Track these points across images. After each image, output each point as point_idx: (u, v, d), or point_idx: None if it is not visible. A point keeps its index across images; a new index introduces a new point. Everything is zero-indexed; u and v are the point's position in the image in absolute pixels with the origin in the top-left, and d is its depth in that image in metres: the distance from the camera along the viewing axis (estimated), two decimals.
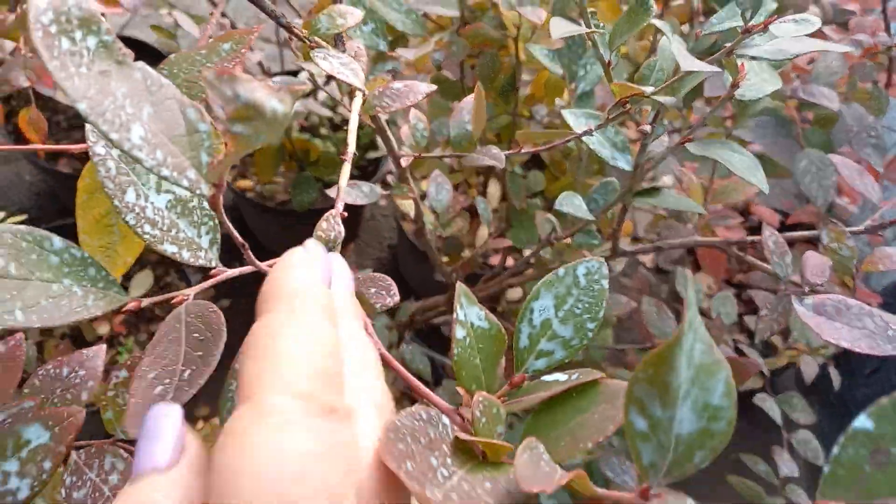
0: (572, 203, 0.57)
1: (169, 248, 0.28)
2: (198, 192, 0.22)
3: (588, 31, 0.42)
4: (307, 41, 0.43)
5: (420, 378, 0.85)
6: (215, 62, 0.32)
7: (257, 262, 0.29)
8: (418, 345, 0.85)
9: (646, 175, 0.57)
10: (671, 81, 0.47)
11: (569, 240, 0.65)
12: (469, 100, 0.54)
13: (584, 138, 0.52)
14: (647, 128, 0.50)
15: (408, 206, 0.72)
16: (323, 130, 1.57)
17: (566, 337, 0.25)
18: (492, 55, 0.74)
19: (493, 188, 0.86)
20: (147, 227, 0.28)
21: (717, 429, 0.18)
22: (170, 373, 0.26)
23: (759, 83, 0.50)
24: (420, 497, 0.20)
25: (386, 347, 0.82)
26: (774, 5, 0.47)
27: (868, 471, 0.16)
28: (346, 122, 1.54)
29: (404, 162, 0.53)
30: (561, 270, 0.26)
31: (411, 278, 1.32)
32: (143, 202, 0.28)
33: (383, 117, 0.51)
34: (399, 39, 0.77)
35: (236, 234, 0.27)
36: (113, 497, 0.37)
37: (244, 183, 1.51)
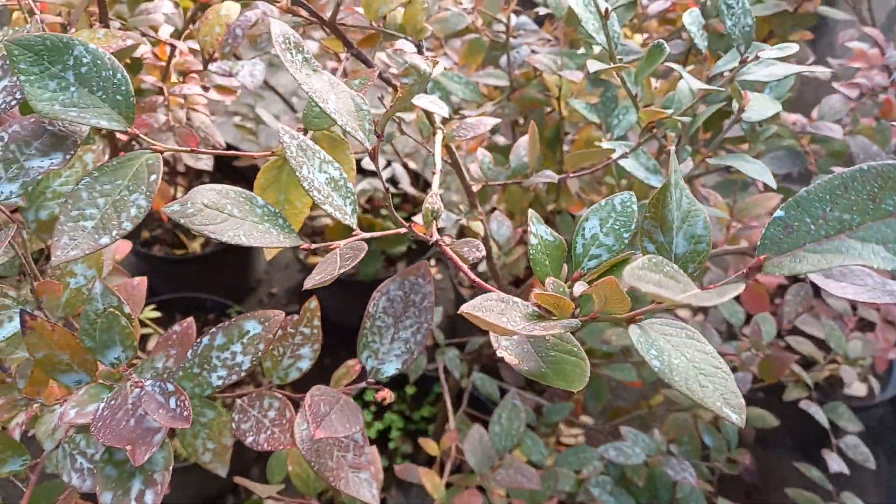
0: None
1: (328, 209, 0.41)
2: (364, 143, 0.35)
3: (615, 66, 0.55)
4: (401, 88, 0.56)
5: (491, 401, 0.94)
6: (355, 88, 0.46)
7: (399, 219, 0.41)
8: (487, 375, 0.95)
9: None
10: (689, 106, 0.59)
11: None
12: (524, 138, 0.68)
13: (620, 161, 0.64)
14: (673, 148, 0.62)
15: (477, 226, 0.84)
16: (383, 212, 1.72)
17: (609, 244, 0.36)
18: (538, 113, 0.88)
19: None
20: (315, 193, 0.40)
21: (700, 249, 0.28)
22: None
23: (762, 108, 0.62)
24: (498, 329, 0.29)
25: (458, 377, 0.92)
26: (765, 46, 0.59)
27: (781, 237, 0.26)
28: (405, 198, 1.70)
29: (475, 187, 0.65)
30: (603, 201, 0.38)
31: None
32: (311, 175, 0.41)
33: (458, 154, 0.64)
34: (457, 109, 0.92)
35: (384, 183, 0.39)
36: (272, 427, 0.47)
37: (315, 259, 1.66)
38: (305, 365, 0.49)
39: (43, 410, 0.42)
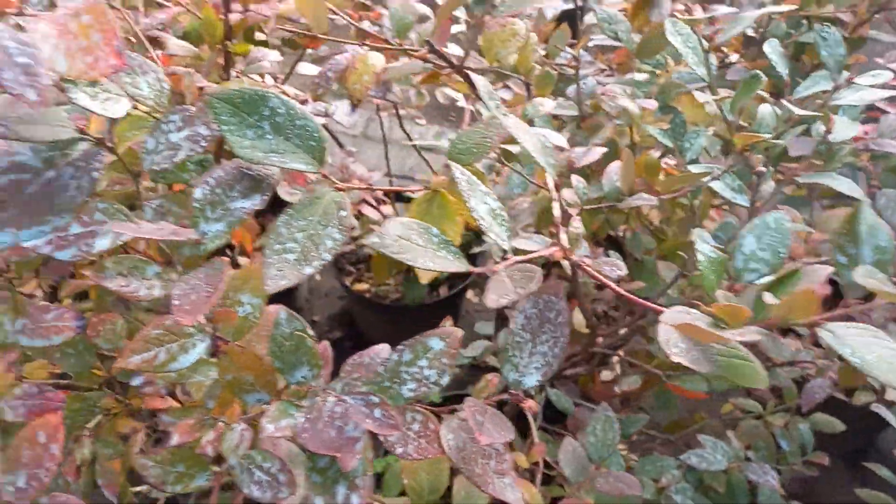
0: (702, 238, 0.72)
1: (491, 235, 0.45)
2: (551, 174, 0.39)
3: (719, 98, 0.60)
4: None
5: (566, 415, 0.98)
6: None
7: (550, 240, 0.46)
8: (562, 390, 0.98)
9: (757, 213, 0.72)
10: (782, 130, 0.63)
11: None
12: (615, 164, 0.72)
13: (711, 183, 0.68)
14: (763, 169, 0.66)
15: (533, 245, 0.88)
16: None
17: (766, 259, 0.40)
18: (610, 140, 0.92)
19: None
20: (481, 221, 0.45)
21: (885, 258, 0.32)
22: None
23: (844, 129, 0.66)
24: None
25: (532, 394, 0.95)
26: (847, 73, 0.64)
27: None
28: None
29: (573, 211, 0.69)
30: (756, 220, 0.42)
31: None
32: (477, 206, 0.45)
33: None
34: None
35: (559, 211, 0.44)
36: (418, 439, 0.51)
37: (360, 286, 1.70)
38: (444, 380, 0.53)
39: (226, 429, 0.46)
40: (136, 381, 0.54)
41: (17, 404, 0.48)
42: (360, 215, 1.65)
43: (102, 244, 0.50)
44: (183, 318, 0.37)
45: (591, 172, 0.89)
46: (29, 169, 0.43)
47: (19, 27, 0.38)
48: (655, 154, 0.97)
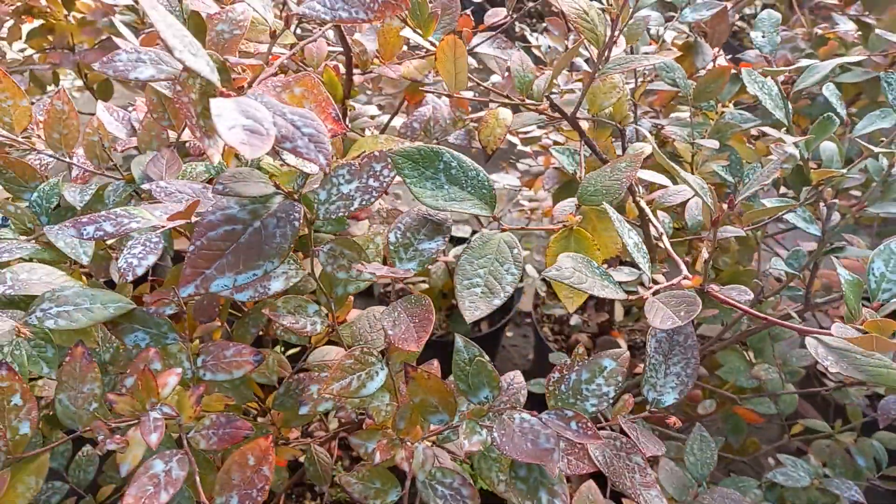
0: (779, 264, 0.79)
1: (640, 264, 0.51)
2: (710, 206, 0.45)
3: (803, 139, 0.67)
4: None
5: None
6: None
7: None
8: None
9: (829, 240, 0.79)
10: (851, 166, 0.70)
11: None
12: (696, 199, 0.79)
13: (786, 215, 0.75)
14: (834, 201, 0.73)
15: (660, 279, 0.94)
16: None
17: (895, 280, 0.47)
18: (670, 179, 0.99)
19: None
20: (631, 251, 0.51)
21: None
22: None
23: None
24: None
25: None
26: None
27: None
28: None
29: (666, 242, 0.76)
30: (882, 246, 0.48)
31: None
32: (627, 240, 0.51)
33: (648, 211, 0.75)
34: None
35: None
36: (567, 456, 0.56)
37: None
38: (603, 405, 0.59)
39: (415, 448, 0.51)
40: (303, 410, 0.59)
41: (208, 434, 0.53)
42: None
43: (277, 286, 0.56)
44: (404, 346, 0.43)
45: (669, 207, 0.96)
46: (239, 221, 0.49)
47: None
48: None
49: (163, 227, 0.57)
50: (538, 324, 1.78)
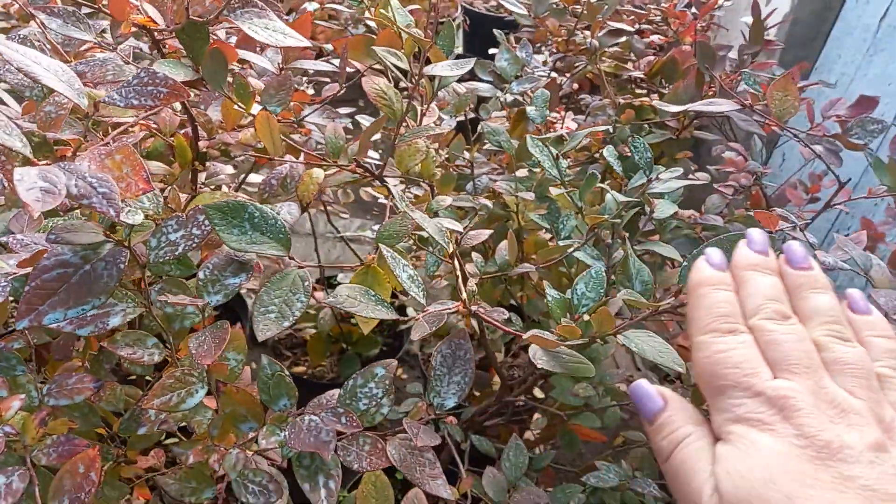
0: (550, 291, 0.94)
1: (413, 293, 0.64)
2: (447, 247, 0.59)
3: (569, 190, 0.82)
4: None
5: (487, 457, 1.14)
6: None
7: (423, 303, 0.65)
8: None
9: (611, 274, 0.95)
10: (618, 212, 0.86)
11: None
12: (504, 242, 0.93)
13: (575, 253, 0.91)
14: (609, 241, 0.89)
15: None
16: (352, 320, 1.93)
17: (592, 297, 0.61)
18: (501, 224, 1.14)
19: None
20: (405, 284, 0.64)
21: (648, 288, 0.53)
22: None
23: (665, 209, 0.90)
24: None
25: (458, 441, 1.12)
26: (662, 168, 0.89)
27: None
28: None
29: (472, 281, 0.90)
30: (585, 273, 0.63)
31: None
32: (401, 273, 0.64)
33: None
34: None
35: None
36: (369, 456, 0.67)
37: (298, 369, 1.83)
38: (386, 411, 0.70)
39: (226, 452, 0.61)
40: (141, 430, 0.68)
41: (49, 451, 0.62)
42: None
43: (115, 321, 0.66)
44: (203, 361, 0.54)
45: (489, 252, 1.11)
46: (70, 264, 0.59)
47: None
48: (545, 235, 1.20)
49: (14, 273, 0.66)
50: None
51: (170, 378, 0.61)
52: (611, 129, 1.27)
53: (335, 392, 0.72)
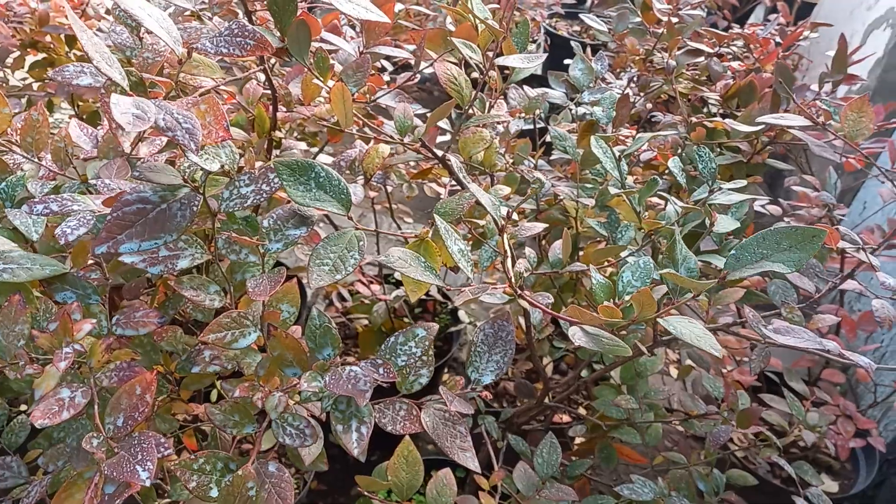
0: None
1: (462, 265, 0.66)
2: (499, 221, 0.61)
3: (627, 191, 0.83)
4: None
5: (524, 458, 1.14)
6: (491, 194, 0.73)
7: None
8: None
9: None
10: (678, 219, 0.86)
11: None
12: (558, 242, 0.95)
13: (628, 258, 0.91)
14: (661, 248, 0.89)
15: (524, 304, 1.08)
16: (406, 319, 1.96)
17: (637, 285, 0.62)
18: (559, 229, 1.15)
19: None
20: (455, 256, 0.66)
21: (694, 275, 0.54)
22: None
23: (726, 224, 0.90)
24: None
25: (495, 438, 1.13)
26: (725, 183, 0.88)
27: (734, 263, 0.52)
28: (419, 305, 1.95)
29: (509, 263, 0.91)
30: (631, 260, 0.63)
31: None
32: (452, 246, 0.67)
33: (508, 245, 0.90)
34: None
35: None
36: (403, 420, 0.69)
37: (347, 359, 1.87)
38: (425, 380, 0.72)
39: (269, 394, 0.65)
40: (194, 369, 0.72)
41: (111, 375, 0.67)
42: (353, 293, 1.85)
43: (183, 264, 0.71)
44: (257, 297, 0.57)
45: (543, 255, 1.12)
46: (149, 201, 0.64)
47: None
48: (602, 245, 1.20)
49: (98, 211, 0.72)
50: None
51: (226, 318, 0.65)
52: (680, 146, 1.27)
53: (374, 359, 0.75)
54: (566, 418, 1.49)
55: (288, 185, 0.65)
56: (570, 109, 1.31)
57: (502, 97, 0.86)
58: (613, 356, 0.87)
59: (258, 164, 0.86)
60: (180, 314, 0.87)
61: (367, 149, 0.82)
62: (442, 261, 0.73)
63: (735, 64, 1.42)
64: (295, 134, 1.01)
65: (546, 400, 1.15)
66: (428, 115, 1.07)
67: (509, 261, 0.68)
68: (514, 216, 0.85)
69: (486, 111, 0.85)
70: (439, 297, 1.90)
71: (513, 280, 0.68)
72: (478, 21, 0.82)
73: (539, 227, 0.85)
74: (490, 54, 0.83)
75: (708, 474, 1.10)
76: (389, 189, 1.23)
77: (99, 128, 0.97)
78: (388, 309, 1.77)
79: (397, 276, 1.89)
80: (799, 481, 1.05)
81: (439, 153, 0.80)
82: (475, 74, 0.87)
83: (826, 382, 1.46)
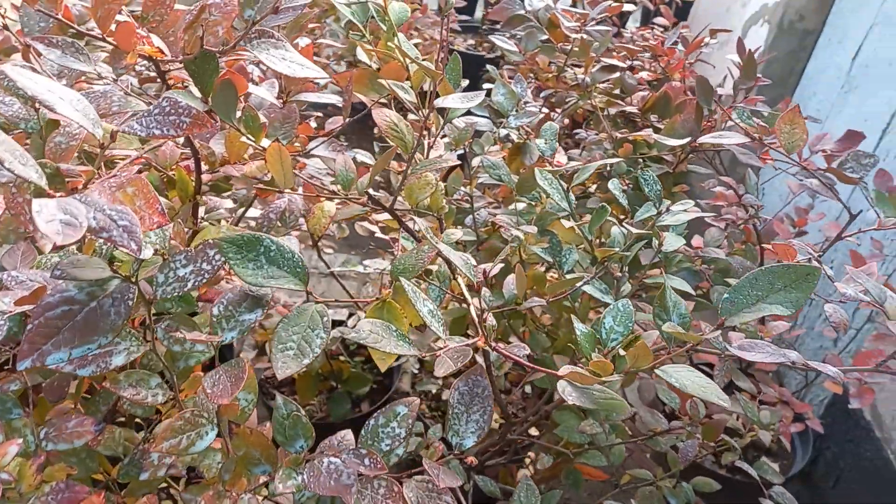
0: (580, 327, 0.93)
1: (433, 327, 0.62)
2: (471, 278, 0.57)
3: (580, 223, 0.82)
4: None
5: (493, 498, 1.11)
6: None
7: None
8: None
9: None
10: (627, 246, 0.86)
11: None
12: (511, 276, 0.92)
13: (584, 287, 0.89)
14: (619, 274, 0.88)
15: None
16: (342, 357, 1.89)
17: (621, 331, 0.60)
18: (504, 260, 1.13)
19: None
20: (425, 318, 0.62)
21: (686, 321, 0.52)
22: None
23: (673, 242, 0.90)
24: None
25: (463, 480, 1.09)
26: (668, 202, 0.89)
27: (730, 307, 0.50)
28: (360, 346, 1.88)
29: (473, 312, 0.88)
30: (611, 306, 0.61)
31: None
32: (421, 308, 0.62)
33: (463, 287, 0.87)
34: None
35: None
36: (383, 499, 0.64)
37: None
38: (401, 451, 0.67)
39: (238, 498, 0.58)
40: (143, 476, 0.64)
41: (47, 500, 0.58)
42: None
43: (118, 361, 0.63)
44: (218, 400, 0.51)
45: (492, 286, 1.09)
46: (76, 301, 0.56)
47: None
48: (541, 268, 1.19)
49: (10, 312, 0.63)
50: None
51: (179, 420, 0.58)
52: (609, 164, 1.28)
53: (346, 432, 0.69)
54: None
55: (235, 263, 0.58)
56: (492, 132, 1.29)
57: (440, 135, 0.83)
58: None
59: (187, 233, 0.78)
60: (115, 409, 0.78)
61: (312, 208, 0.76)
62: (409, 321, 0.68)
63: (644, 74, 1.46)
64: (208, 191, 0.94)
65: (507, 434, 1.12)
66: (364, 158, 1.02)
67: (485, 317, 0.64)
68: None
69: (426, 153, 0.81)
70: None
71: (488, 337, 0.65)
72: (407, 61, 0.78)
73: (498, 267, 0.82)
74: (423, 93, 0.79)
75: (675, 487, 1.10)
76: None
77: None
78: (325, 351, 1.69)
79: (333, 314, 1.82)
80: (762, 481, 1.07)
81: (392, 208, 0.75)
82: (411, 116, 0.83)
83: (759, 371, 1.51)
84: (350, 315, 1.87)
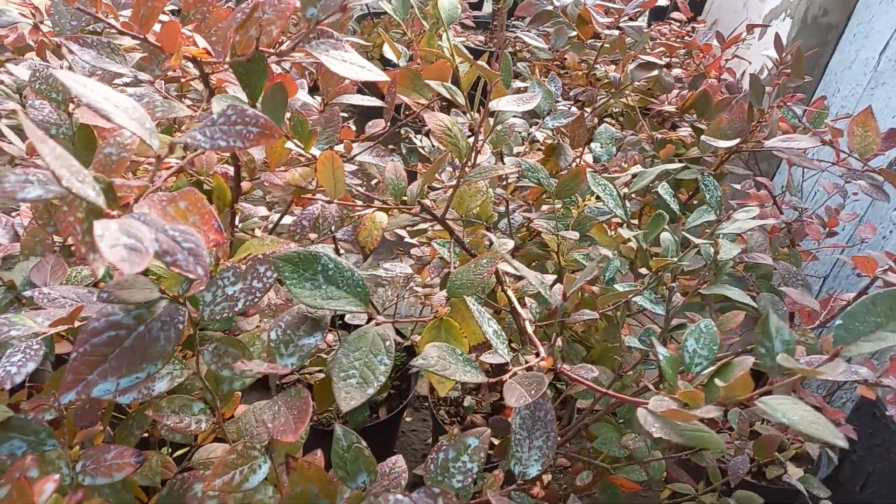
0: (632, 342, 0.88)
1: (499, 348, 0.58)
2: (547, 295, 0.53)
3: (636, 233, 0.77)
4: None
5: None
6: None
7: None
8: None
9: (672, 318, 0.90)
10: (682, 255, 0.81)
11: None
12: (559, 286, 0.88)
13: (635, 297, 0.85)
14: (673, 284, 0.84)
15: (531, 359, 1.01)
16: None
17: (706, 355, 0.55)
18: (540, 264, 1.09)
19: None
20: (489, 338, 0.57)
21: (790, 348, 0.48)
22: None
23: (729, 250, 0.86)
24: None
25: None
26: (736, 208, 0.84)
27: (844, 335, 0.46)
28: None
29: (529, 327, 0.83)
30: (692, 327, 0.57)
31: None
32: (486, 328, 0.58)
33: (514, 299, 0.83)
34: None
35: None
36: None
37: None
38: (468, 481, 0.63)
39: None
40: None
41: None
42: None
43: (161, 387, 0.58)
44: (283, 437, 0.47)
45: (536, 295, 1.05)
46: (122, 325, 0.52)
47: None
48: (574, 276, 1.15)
49: (44, 333, 0.58)
50: (434, 407, 1.82)
51: (231, 453, 0.53)
52: (641, 163, 1.23)
53: (398, 458, 0.65)
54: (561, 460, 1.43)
55: (291, 283, 0.54)
56: (520, 133, 1.25)
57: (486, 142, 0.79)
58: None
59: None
60: (148, 432, 0.73)
61: (362, 217, 0.72)
62: (468, 341, 0.64)
63: (678, 71, 1.41)
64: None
65: None
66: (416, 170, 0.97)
67: (553, 345, 0.60)
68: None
69: (474, 159, 0.77)
70: (397, 338, 1.80)
71: (555, 361, 0.60)
72: (458, 61, 0.73)
73: (550, 279, 0.77)
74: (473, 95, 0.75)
75: (718, 501, 1.06)
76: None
77: (16, 215, 0.82)
78: None
79: (348, 318, 1.77)
80: (809, 496, 1.04)
81: (444, 219, 0.71)
82: (460, 119, 0.78)
83: None
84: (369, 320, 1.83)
